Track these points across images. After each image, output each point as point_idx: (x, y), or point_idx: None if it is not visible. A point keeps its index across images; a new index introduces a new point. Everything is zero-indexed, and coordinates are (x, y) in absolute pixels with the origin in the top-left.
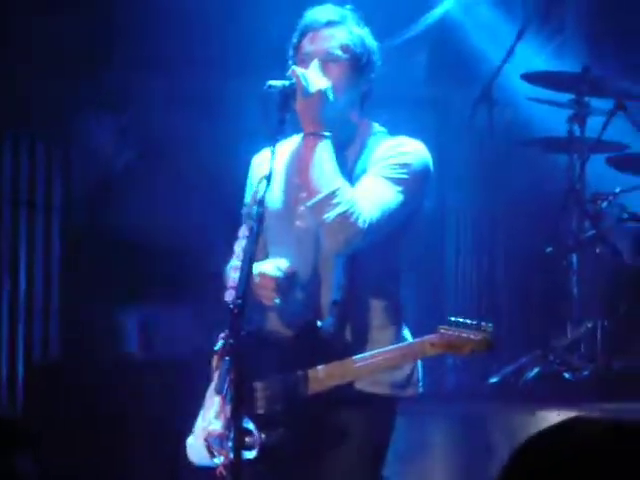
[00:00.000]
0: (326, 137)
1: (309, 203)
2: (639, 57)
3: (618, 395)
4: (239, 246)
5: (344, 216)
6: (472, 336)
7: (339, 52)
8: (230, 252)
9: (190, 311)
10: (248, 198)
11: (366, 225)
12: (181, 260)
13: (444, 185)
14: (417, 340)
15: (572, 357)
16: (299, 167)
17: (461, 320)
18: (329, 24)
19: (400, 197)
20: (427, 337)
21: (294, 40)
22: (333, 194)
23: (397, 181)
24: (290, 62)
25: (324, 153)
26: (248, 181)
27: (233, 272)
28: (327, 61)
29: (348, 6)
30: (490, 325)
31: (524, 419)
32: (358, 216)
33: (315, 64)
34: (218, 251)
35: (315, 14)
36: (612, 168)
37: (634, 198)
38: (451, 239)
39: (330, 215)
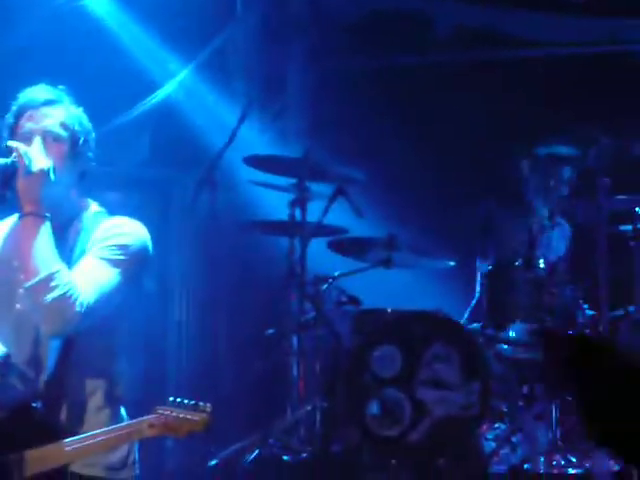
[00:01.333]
0: (45, 218)
1: (27, 285)
2: (357, 144)
3: (335, 479)
4: None
5: (62, 299)
6: (189, 416)
7: (60, 130)
8: None
9: None
10: None
11: (84, 308)
12: None
13: (167, 265)
14: (134, 421)
15: (292, 439)
16: (17, 248)
17: (179, 400)
18: (47, 103)
19: (118, 278)
20: (145, 418)
21: (10, 120)
22: (51, 276)
23: (115, 262)
24: (6, 141)
25: (42, 234)
26: None
27: None
28: (47, 139)
29: (61, 86)
30: (208, 405)
31: None
32: (76, 299)
33: (38, 141)
34: None
35: (32, 93)
36: (332, 251)
37: (352, 281)
38: (173, 320)
39: (48, 298)
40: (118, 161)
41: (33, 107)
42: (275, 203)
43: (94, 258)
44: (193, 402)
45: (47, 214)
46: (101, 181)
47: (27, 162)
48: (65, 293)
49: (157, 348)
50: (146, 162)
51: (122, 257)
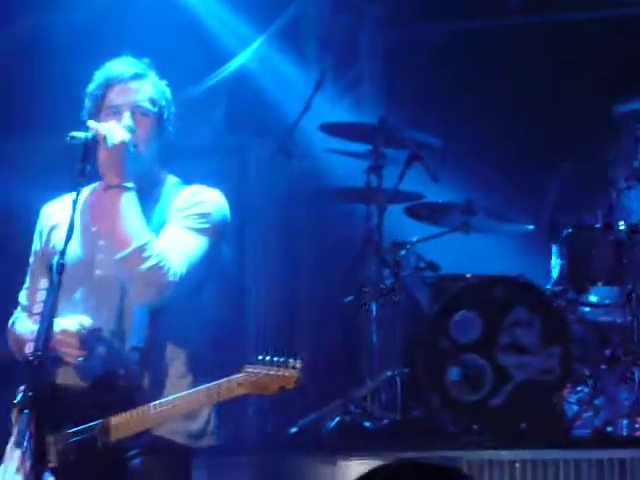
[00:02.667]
0: (130, 189)
1: (118, 256)
2: (432, 109)
3: (417, 444)
4: (37, 298)
5: (155, 269)
6: (279, 373)
7: (149, 105)
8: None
9: None
10: (38, 246)
11: (177, 278)
12: None
13: (244, 233)
14: (223, 380)
15: (372, 406)
16: (104, 220)
17: (268, 358)
18: (136, 77)
19: (204, 246)
20: (233, 377)
21: (96, 92)
22: (143, 247)
23: (199, 231)
24: (88, 114)
25: (130, 206)
26: (37, 230)
27: (32, 324)
28: (137, 114)
29: (146, 59)
30: (298, 361)
31: (326, 469)
32: (168, 269)
33: (127, 116)
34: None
35: (118, 66)
36: (410, 217)
37: (431, 247)
38: (251, 288)
39: (141, 268)
40: (194, 131)
41: (122, 81)
42: (351, 170)
43: (179, 227)
44: (283, 358)
45: (131, 185)
46: (178, 151)
47: (106, 136)
48: (157, 263)
49: (235, 316)
50: (222, 131)
51: (206, 225)
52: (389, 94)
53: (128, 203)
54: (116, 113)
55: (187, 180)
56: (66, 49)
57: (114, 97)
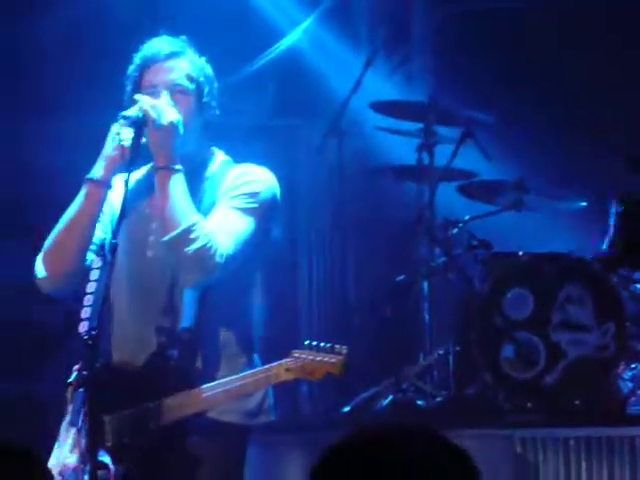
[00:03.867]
0: (178, 171)
1: (166, 238)
2: (484, 87)
3: (471, 421)
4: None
5: (202, 250)
6: (326, 359)
7: (186, 83)
8: None
9: None
10: None
11: (223, 259)
12: None
13: (295, 213)
14: (272, 365)
15: (425, 384)
16: (153, 201)
17: (315, 343)
18: (172, 55)
19: (252, 227)
20: (282, 361)
21: (134, 73)
22: (190, 229)
23: (248, 211)
24: (129, 95)
25: (179, 187)
26: None
27: (85, 302)
28: (175, 92)
29: (183, 37)
30: (345, 347)
31: None
32: (216, 250)
33: (165, 94)
34: None
35: (155, 46)
36: (461, 196)
37: (483, 225)
38: (303, 268)
39: (189, 250)
40: (244, 111)
41: (158, 60)
42: (402, 148)
43: (227, 208)
44: (329, 345)
45: (179, 167)
46: (228, 131)
47: (156, 116)
48: (205, 244)
49: (287, 296)
50: (272, 111)
51: (254, 205)
52: (440, 71)
53: (176, 185)
54: (154, 93)
55: (237, 159)
56: (119, 25)
57: (151, 77)
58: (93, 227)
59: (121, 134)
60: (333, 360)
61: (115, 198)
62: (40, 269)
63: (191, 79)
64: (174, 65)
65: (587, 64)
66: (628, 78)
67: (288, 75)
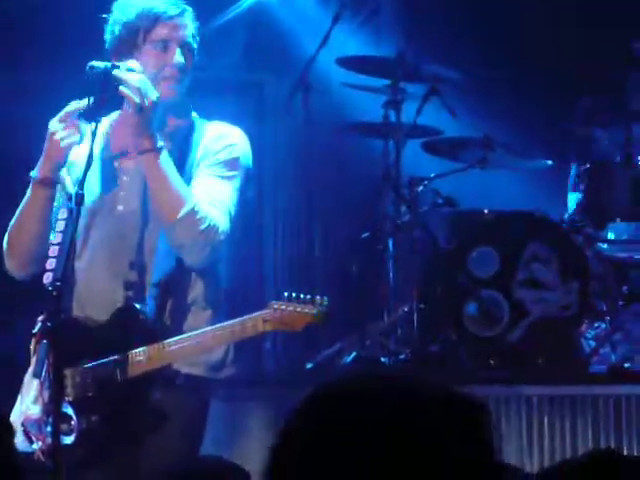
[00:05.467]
0: (162, 148)
1: (173, 221)
2: (451, 43)
3: (434, 379)
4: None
5: (209, 230)
6: (306, 310)
7: (193, 41)
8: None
9: None
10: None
11: (224, 235)
12: None
13: (262, 169)
14: (248, 316)
15: (389, 341)
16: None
17: (295, 295)
18: (182, 13)
19: (237, 194)
20: (260, 313)
21: (139, 24)
22: (194, 209)
23: (231, 178)
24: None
25: (169, 167)
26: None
27: (50, 253)
28: (184, 50)
29: None
30: (325, 298)
31: None
32: (218, 227)
33: (178, 51)
34: None
35: (164, 2)
36: (427, 153)
37: (448, 183)
38: (269, 225)
39: (199, 230)
40: (212, 66)
41: (171, 17)
42: (369, 105)
43: (211, 176)
44: (309, 296)
45: (162, 143)
46: (197, 86)
47: (137, 99)
48: (209, 224)
49: (255, 254)
50: (240, 66)
51: (236, 172)
52: (408, 27)
53: (166, 165)
54: (165, 48)
55: (206, 116)
56: None
57: (165, 32)
58: (44, 224)
59: (57, 134)
60: (314, 311)
61: (84, 149)
62: (5, 257)
63: (195, 38)
64: (185, 22)
65: (555, 21)
66: (595, 37)
67: (256, 30)
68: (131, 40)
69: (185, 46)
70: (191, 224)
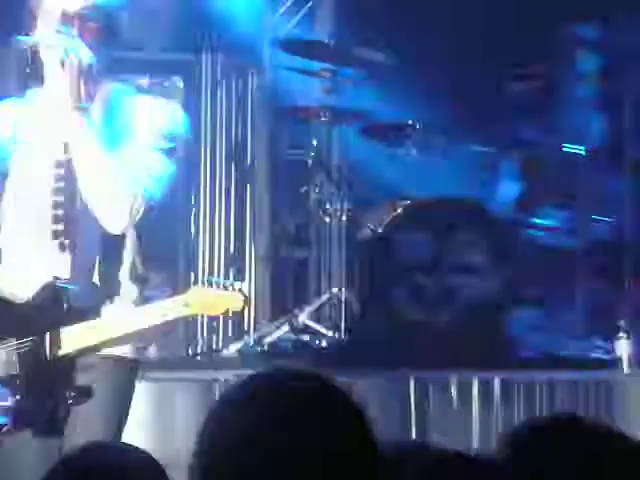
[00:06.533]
0: (86, 109)
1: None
2: (385, 26)
3: (360, 362)
4: None
5: (136, 197)
6: (228, 294)
7: (93, 12)
8: None
9: None
10: None
11: (152, 203)
12: None
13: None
14: (169, 300)
15: (318, 324)
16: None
17: (216, 280)
18: None
19: (172, 167)
20: (180, 296)
21: None
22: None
23: (166, 151)
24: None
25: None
26: None
27: None
28: (81, 21)
29: None
30: (244, 283)
31: None
32: (147, 197)
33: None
34: None
35: None
36: (361, 137)
37: (384, 167)
38: (199, 208)
39: (134, 207)
40: (144, 44)
41: None
42: (304, 88)
43: (147, 149)
44: (229, 281)
45: (86, 105)
46: (126, 64)
47: (65, 56)
48: (138, 191)
49: (184, 236)
50: (173, 46)
51: (171, 144)
52: (341, 9)
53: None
54: (57, 21)
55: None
56: None
57: (52, 2)
58: None
59: None
60: (233, 295)
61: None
62: None
63: (98, 8)
64: None
65: (487, 5)
66: (528, 21)
67: (189, 7)
68: (30, 15)
69: (82, 18)
70: (128, 208)
